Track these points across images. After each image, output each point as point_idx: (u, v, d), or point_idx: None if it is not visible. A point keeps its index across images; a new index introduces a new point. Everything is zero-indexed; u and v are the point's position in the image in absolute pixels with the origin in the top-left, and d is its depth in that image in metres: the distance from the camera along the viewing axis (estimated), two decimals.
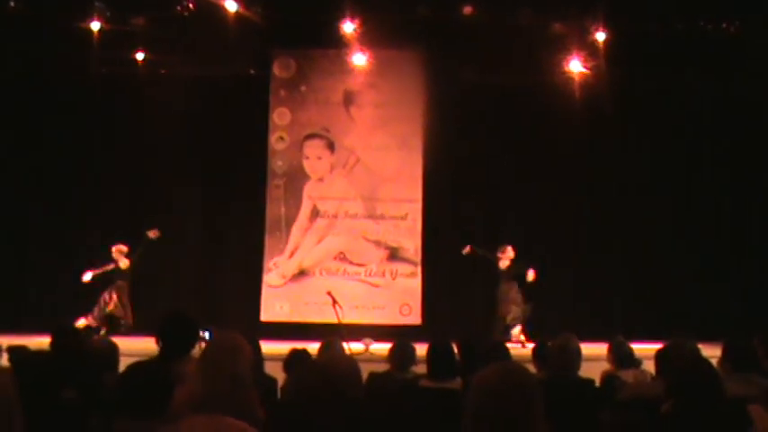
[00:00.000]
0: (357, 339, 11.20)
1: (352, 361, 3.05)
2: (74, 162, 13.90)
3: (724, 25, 12.65)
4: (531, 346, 7.63)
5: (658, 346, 5.41)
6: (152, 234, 12.53)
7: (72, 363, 2.49)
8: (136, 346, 8.47)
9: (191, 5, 12.53)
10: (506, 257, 12.59)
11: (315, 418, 2.79)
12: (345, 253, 13.89)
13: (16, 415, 2.61)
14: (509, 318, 12.38)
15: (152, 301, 12.51)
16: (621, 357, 6.34)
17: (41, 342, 6.34)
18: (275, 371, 6.08)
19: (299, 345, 6.72)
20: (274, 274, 13.89)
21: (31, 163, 13.89)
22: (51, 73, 13.46)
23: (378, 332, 12.03)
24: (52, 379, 2.42)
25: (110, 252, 12.54)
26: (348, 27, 12.82)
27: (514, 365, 2.75)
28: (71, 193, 13.89)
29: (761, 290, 13.03)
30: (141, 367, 3.34)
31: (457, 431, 2.60)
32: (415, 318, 13.65)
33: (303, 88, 14.26)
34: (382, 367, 6.35)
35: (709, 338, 7.62)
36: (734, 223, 13.67)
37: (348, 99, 14.23)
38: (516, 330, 12.28)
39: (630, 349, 6.41)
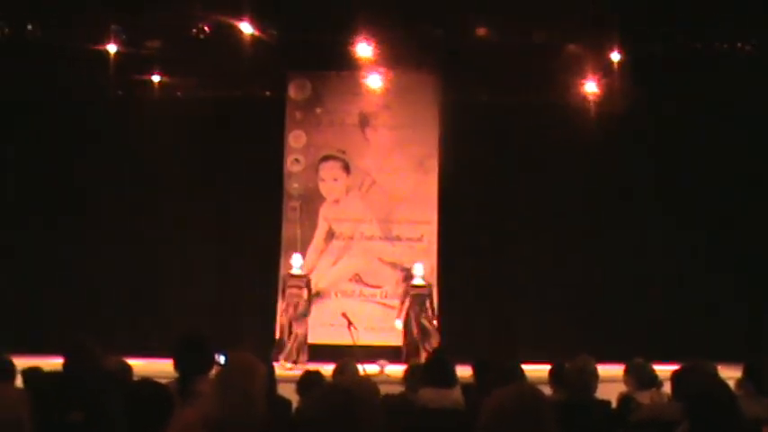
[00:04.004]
0: (372, 361, 11.15)
1: (370, 384, 3.03)
2: (90, 185, 13.92)
3: (739, 45, 12.61)
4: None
5: (675, 367, 5.36)
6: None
7: (82, 384, 2.47)
8: (155, 368, 8.41)
9: (206, 28, 12.56)
10: None
11: None
12: (361, 274, 13.85)
13: None
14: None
15: (168, 322, 12.52)
16: (640, 379, 6.29)
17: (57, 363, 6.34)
18: (289, 393, 6.06)
19: (313, 366, 6.73)
20: None
21: (48, 185, 13.91)
22: (68, 96, 13.53)
23: (393, 354, 12.01)
24: (61, 401, 2.41)
25: None
26: (363, 49, 12.86)
27: (528, 387, 2.74)
28: (85, 214, 13.90)
29: None
30: (139, 387, 3.34)
31: None
32: None
33: (318, 110, 14.27)
34: (398, 389, 6.32)
35: (728, 360, 7.57)
36: (752, 243, 13.53)
37: (363, 121, 14.23)
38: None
39: (650, 370, 6.36)
